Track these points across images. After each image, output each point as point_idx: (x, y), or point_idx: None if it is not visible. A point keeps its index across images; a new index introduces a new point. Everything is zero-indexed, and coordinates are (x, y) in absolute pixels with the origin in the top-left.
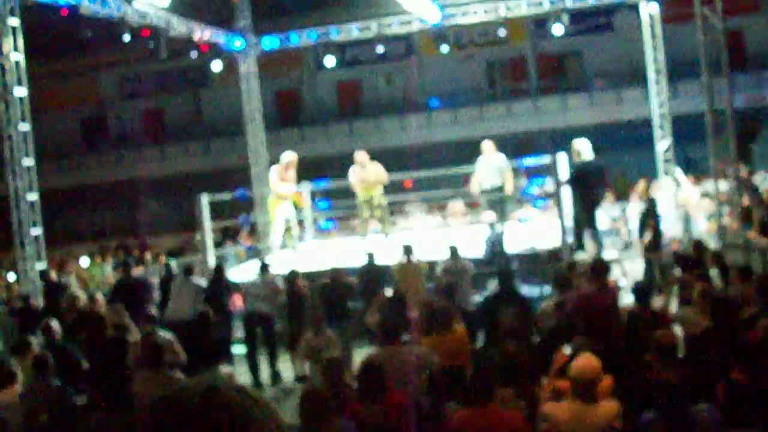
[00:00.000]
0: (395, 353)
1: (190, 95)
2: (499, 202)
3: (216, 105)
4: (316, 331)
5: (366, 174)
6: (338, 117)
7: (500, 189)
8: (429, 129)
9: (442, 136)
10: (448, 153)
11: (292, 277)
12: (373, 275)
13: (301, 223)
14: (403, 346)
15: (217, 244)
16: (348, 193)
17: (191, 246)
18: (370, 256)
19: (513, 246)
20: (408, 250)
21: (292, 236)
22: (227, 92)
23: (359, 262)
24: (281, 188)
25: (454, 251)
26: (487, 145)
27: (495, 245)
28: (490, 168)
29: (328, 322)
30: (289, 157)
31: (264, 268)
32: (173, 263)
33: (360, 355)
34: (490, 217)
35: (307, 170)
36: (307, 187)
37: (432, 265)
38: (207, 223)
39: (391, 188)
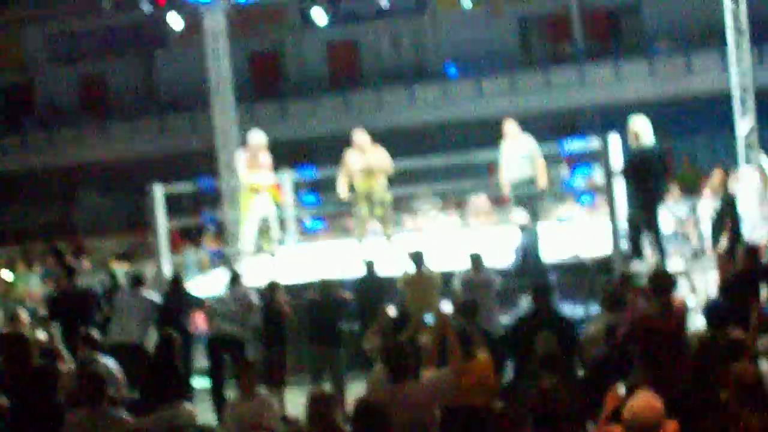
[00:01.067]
0: (402, 392)
1: (141, 59)
2: (531, 198)
3: (174, 72)
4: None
5: (365, 161)
6: (329, 88)
7: (531, 181)
8: (446, 104)
9: (462, 112)
10: (470, 134)
11: (270, 291)
12: (372, 289)
13: (281, 222)
14: (413, 382)
15: (175, 249)
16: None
17: (141, 250)
18: (370, 265)
19: (551, 254)
20: (417, 259)
21: (270, 239)
22: (188, 55)
23: (355, 272)
24: (252, 178)
25: (476, 260)
26: (510, 128)
27: (528, 253)
28: (516, 156)
29: (316, 347)
30: (256, 139)
31: (234, 279)
32: (119, 272)
33: (355, 388)
34: (521, 217)
35: (289, 155)
36: (288, 176)
37: (448, 277)
38: (162, 221)
39: (397, 179)
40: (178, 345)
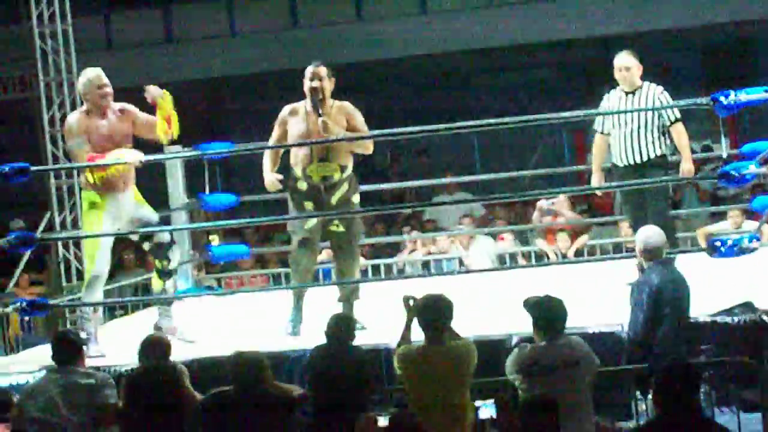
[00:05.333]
0: None
1: None
2: (657, 201)
3: None
4: None
5: (323, 125)
6: None
7: (660, 165)
8: (489, 21)
9: (516, 33)
10: (521, 72)
11: (165, 375)
12: (340, 374)
13: (167, 244)
14: None
15: None
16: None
17: None
18: (341, 327)
19: (700, 306)
20: (433, 315)
21: (165, 269)
22: None
23: (309, 340)
24: (100, 161)
25: (549, 320)
26: (625, 60)
27: (659, 306)
28: (631, 120)
29: None
30: (96, 79)
31: (71, 352)
32: None
33: None
34: (643, 235)
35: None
36: (178, 155)
37: (494, 351)
38: None
39: (385, 167)
40: None
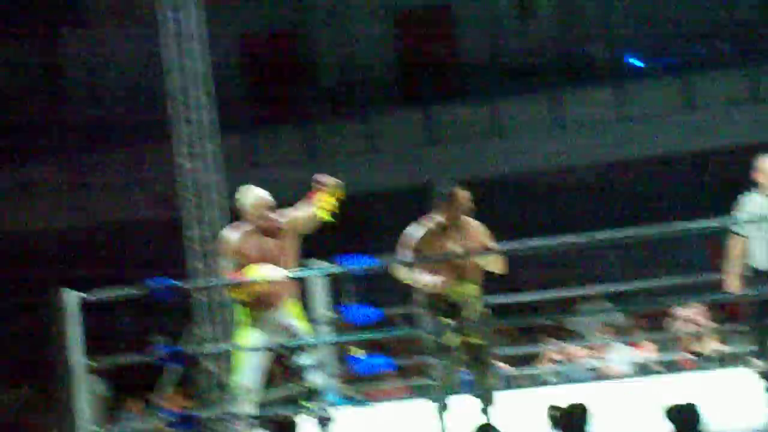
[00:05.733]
0: None
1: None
2: None
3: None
4: None
5: (462, 240)
6: (399, 93)
7: None
8: (623, 133)
9: (655, 144)
10: (664, 176)
11: None
12: None
13: (299, 370)
14: None
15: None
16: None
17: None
18: None
19: None
20: (577, 425)
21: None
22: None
23: None
24: (253, 276)
25: (688, 424)
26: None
27: None
28: None
29: None
30: (256, 200)
31: None
32: None
33: None
34: None
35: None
36: (321, 271)
37: None
38: (78, 358)
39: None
40: None
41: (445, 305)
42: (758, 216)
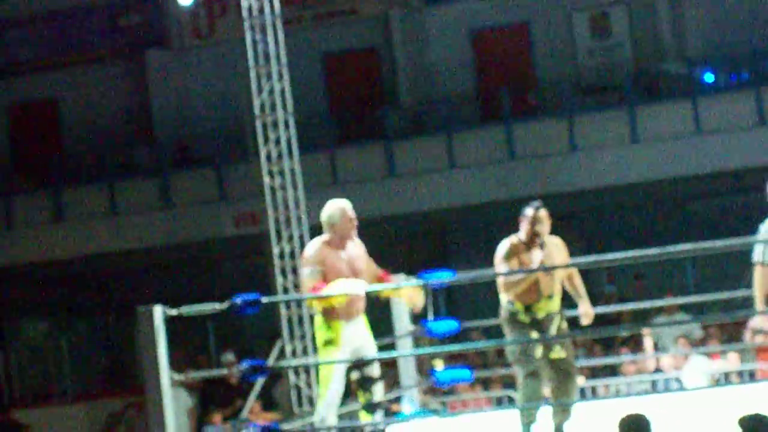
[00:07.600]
0: None
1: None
2: None
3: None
4: None
5: (543, 258)
6: (475, 115)
7: None
8: (698, 148)
9: (723, 159)
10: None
11: None
12: None
13: (369, 380)
14: None
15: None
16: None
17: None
18: None
19: None
20: None
21: (371, 402)
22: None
23: None
24: (336, 291)
25: None
26: None
27: None
28: None
29: None
30: (339, 213)
31: None
32: None
33: None
34: None
35: (404, 239)
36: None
37: None
38: (164, 373)
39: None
40: None
41: (529, 319)
42: None
